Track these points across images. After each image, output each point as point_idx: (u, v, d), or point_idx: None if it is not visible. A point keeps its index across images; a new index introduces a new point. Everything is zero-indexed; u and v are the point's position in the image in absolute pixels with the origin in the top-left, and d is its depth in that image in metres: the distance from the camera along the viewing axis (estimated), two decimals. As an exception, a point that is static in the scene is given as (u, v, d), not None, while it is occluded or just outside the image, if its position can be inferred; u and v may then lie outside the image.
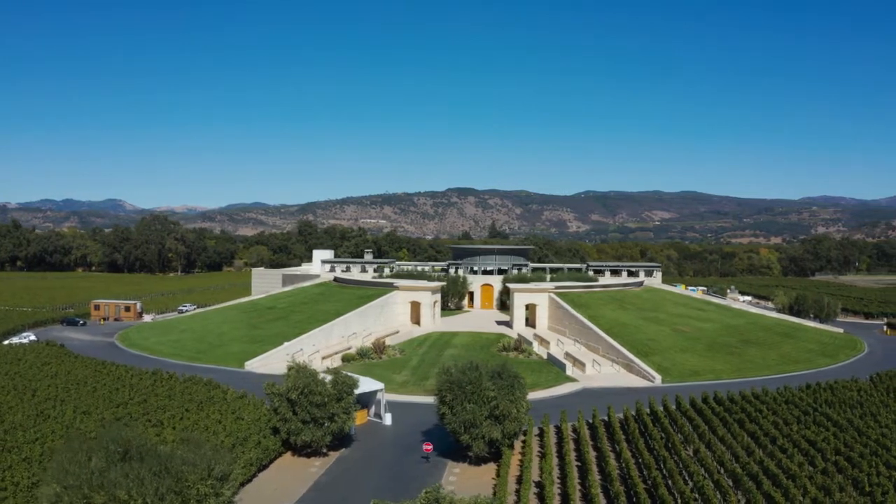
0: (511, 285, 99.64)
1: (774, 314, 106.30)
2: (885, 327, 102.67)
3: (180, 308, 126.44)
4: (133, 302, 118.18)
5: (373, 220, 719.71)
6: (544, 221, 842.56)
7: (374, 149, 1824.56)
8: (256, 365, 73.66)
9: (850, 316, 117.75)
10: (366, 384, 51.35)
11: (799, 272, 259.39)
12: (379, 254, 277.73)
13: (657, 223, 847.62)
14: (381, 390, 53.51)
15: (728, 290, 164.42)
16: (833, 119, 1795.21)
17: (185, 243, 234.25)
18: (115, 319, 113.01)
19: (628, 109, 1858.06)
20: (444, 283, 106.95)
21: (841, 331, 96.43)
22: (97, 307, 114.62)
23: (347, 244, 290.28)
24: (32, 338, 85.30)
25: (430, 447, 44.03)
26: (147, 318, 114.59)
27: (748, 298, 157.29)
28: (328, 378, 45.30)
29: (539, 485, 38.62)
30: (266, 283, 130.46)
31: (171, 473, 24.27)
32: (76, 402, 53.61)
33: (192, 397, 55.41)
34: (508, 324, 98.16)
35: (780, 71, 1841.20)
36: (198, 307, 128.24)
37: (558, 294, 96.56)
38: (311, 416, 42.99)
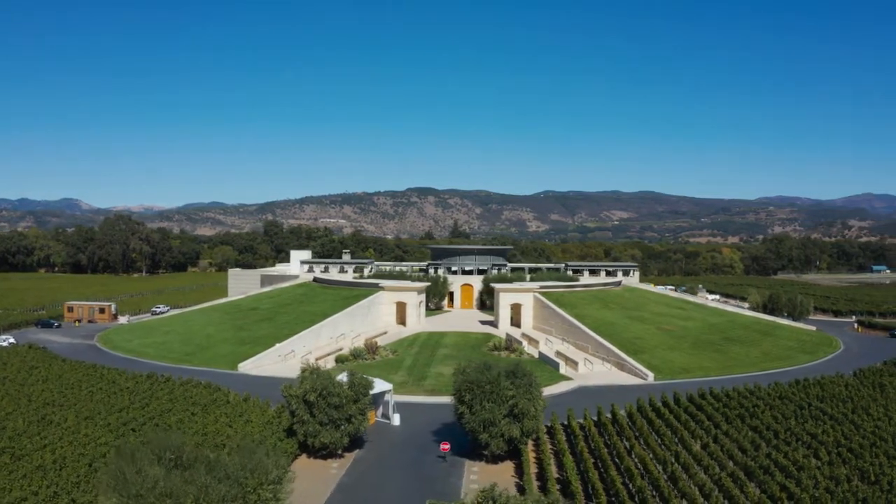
0: (496, 285, 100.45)
1: (749, 312, 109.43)
2: (855, 325, 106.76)
3: (153, 309, 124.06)
4: (107, 303, 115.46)
5: (332, 220, 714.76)
6: (504, 221, 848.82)
7: (333, 148, 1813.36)
8: (249, 367, 72.87)
9: (820, 314, 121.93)
10: (376, 385, 51.34)
11: (761, 271, 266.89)
12: (350, 254, 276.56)
13: (616, 223, 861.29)
14: (390, 391, 53.63)
15: (697, 289, 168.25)
16: (789, 120, 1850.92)
17: (149, 243, 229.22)
18: (90, 321, 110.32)
19: (587, 110, 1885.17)
20: (428, 284, 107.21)
21: (814, 328, 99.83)
22: (71, 309, 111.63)
23: (314, 244, 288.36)
24: (12, 340, 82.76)
25: (448, 447, 44.37)
26: (122, 319, 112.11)
27: (716, 297, 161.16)
28: (343, 379, 45.25)
29: (560, 481, 39.32)
30: (244, 283, 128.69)
31: (231, 479, 23.99)
32: (75, 407, 52.36)
33: (195, 400, 54.65)
34: (493, 323, 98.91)
35: (737, 72, 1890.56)
36: (171, 308, 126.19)
37: (543, 294, 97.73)
38: (329, 417, 42.94)
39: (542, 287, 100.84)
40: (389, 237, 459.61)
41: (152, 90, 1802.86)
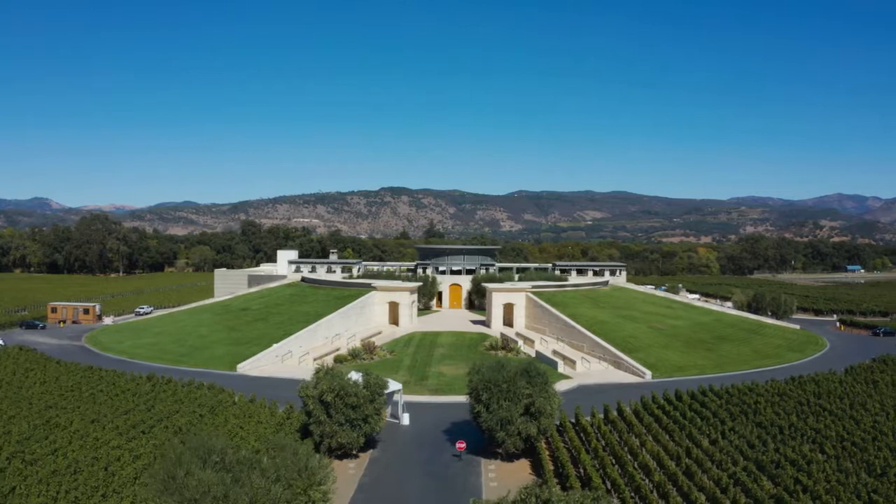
0: (488, 285, 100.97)
1: (734, 311, 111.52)
2: (837, 323, 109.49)
3: (137, 310, 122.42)
4: (92, 304, 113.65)
5: (306, 220, 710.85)
6: (478, 221, 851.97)
7: (306, 147, 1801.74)
8: (248, 367, 72.37)
9: (801, 313, 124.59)
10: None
11: (737, 271, 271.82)
12: (323, 253, 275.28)
13: (589, 223, 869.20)
14: (399, 391, 53.77)
15: (678, 289, 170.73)
16: (760, 121, 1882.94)
17: (126, 243, 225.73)
18: (74, 322, 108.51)
19: (560, 109, 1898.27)
20: (420, 284, 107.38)
21: (797, 327, 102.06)
22: (54, 310, 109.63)
23: (292, 244, 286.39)
24: (1, 342, 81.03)
25: (464, 445, 44.69)
26: (107, 320, 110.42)
27: (696, 296, 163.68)
28: (358, 379, 45.28)
29: (580, 477, 39.85)
30: (230, 284, 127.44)
31: (283, 481, 23.93)
32: (79, 410, 51.49)
33: (201, 402, 54.13)
34: (485, 323, 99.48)
35: (709, 74, 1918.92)
36: (155, 309, 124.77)
37: (535, 293, 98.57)
38: (347, 417, 42.99)
39: (534, 287, 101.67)
40: (363, 237, 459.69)
41: (123, 88, 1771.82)
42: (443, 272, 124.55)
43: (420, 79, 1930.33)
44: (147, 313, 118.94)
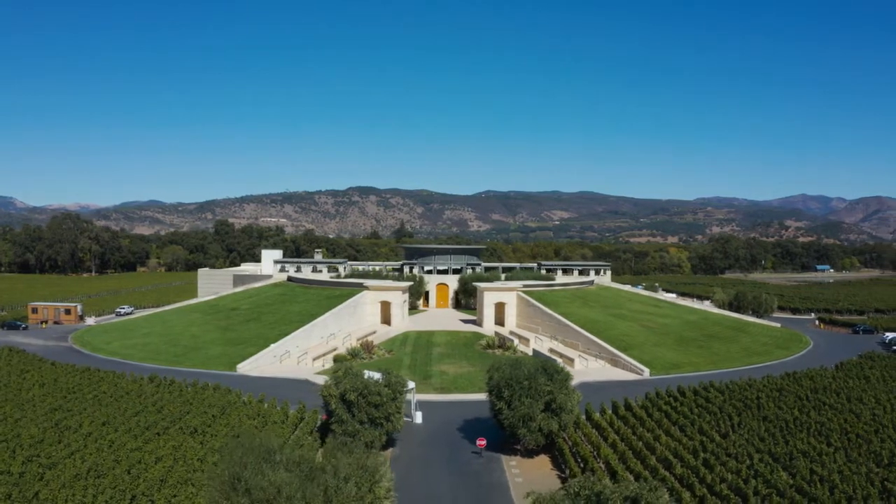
0: (480, 285, 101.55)
1: (716, 310, 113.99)
2: (816, 321, 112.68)
3: (118, 310, 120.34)
4: (73, 304, 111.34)
5: (273, 219, 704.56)
6: (446, 221, 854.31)
7: (274, 147, 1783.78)
8: (247, 367, 71.74)
9: (779, 312, 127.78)
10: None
11: (708, 270, 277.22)
12: (297, 253, 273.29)
13: (556, 223, 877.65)
14: (412, 389, 53.95)
15: (655, 288, 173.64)
16: (725, 122, 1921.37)
17: (99, 243, 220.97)
18: (55, 322, 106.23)
19: (528, 110, 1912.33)
20: (412, 283, 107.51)
21: (779, 325, 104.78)
22: (35, 310, 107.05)
23: (265, 243, 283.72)
24: (-11, 344, 79.00)
25: (484, 442, 45.16)
26: (89, 321, 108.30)
27: (673, 296, 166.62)
28: (378, 378, 45.41)
29: (604, 471, 40.59)
30: (215, 283, 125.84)
31: (350, 480, 23.97)
32: (85, 412, 50.59)
33: (210, 403, 53.57)
34: (475, 322, 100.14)
35: (673, 74, 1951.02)
36: (135, 309, 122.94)
37: (526, 293, 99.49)
38: (369, 416, 43.11)
39: (525, 286, 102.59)
40: (332, 236, 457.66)
41: (88, 87, 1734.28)
42: (429, 272, 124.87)
43: (388, 79, 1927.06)
44: (128, 313, 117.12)
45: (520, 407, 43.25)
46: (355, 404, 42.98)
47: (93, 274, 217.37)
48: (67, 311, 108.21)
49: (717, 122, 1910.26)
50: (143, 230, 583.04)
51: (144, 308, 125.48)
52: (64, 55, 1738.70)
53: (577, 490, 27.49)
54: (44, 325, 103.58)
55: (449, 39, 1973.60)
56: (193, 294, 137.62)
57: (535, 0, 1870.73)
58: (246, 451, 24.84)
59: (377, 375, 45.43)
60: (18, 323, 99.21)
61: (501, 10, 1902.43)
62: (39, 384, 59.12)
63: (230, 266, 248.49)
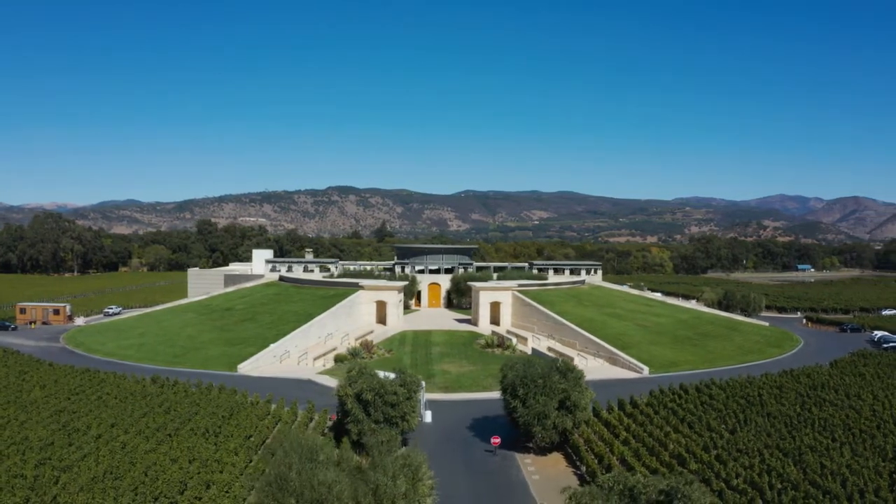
0: (475, 284, 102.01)
1: (706, 309, 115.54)
2: (804, 320, 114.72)
3: (106, 310, 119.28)
4: (62, 305, 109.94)
5: (252, 219, 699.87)
6: (425, 220, 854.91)
7: (252, 146, 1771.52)
8: (248, 368, 71.43)
9: (766, 311, 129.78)
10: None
11: (690, 270, 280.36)
12: (282, 252, 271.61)
13: (536, 222, 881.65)
14: (422, 388, 54.04)
15: (641, 288, 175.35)
16: (703, 122, 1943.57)
17: (81, 242, 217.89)
18: (44, 323, 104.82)
19: (507, 110, 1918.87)
20: (407, 283, 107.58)
21: (767, 324, 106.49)
22: (23, 310, 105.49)
23: (248, 243, 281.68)
24: (-18, 345, 77.71)
25: (499, 441, 45.50)
26: (79, 321, 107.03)
27: (658, 295, 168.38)
28: (392, 377, 45.56)
29: (624, 465, 41.12)
30: (206, 283, 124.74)
31: (399, 478, 24.09)
32: (92, 413, 50.04)
33: (217, 403, 53.27)
34: (470, 321, 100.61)
35: (650, 74, 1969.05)
36: (123, 309, 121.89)
37: (521, 292, 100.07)
38: (385, 415, 43.23)
39: (519, 286, 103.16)
40: (311, 236, 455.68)
41: (64, 85, 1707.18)
42: (420, 271, 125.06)
43: (367, 78, 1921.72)
44: (116, 314, 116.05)
45: (535, 405, 43.69)
46: (371, 403, 43.07)
47: (75, 274, 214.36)
48: (56, 312, 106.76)
49: (695, 123, 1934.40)
50: (122, 230, 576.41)
51: (132, 308, 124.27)
52: (38, 54, 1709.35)
53: (610, 485, 27.90)
54: (33, 326, 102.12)
55: (427, 39, 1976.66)
56: (181, 294, 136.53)
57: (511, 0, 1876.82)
58: (289, 450, 24.83)
59: (392, 375, 45.57)
60: (7, 323, 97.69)
61: (477, 9, 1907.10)
62: (40, 385, 58.33)
63: (213, 266, 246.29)
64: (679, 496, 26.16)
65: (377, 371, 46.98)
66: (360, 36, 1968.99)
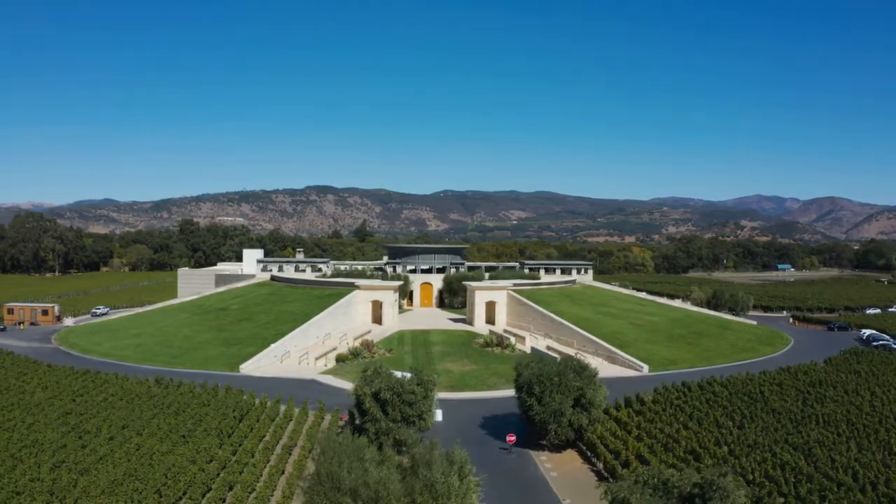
0: (470, 283, 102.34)
1: (695, 308, 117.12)
2: (791, 319, 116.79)
3: (94, 311, 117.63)
4: (50, 305, 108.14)
5: (230, 218, 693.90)
6: (404, 220, 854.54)
7: (230, 145, 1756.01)
8: (250, 368, 71.00)
9: (752, 310, 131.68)
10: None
11: (671, 269, 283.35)
12: (265, 252, 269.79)
13: (514, 222, 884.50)
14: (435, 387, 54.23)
15: (628, 287, 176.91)
16: (680, 121, 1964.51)
17: (63, 242, 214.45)
18: (32, 324, 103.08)
19: (485, 110, 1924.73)
20: (402, 283, 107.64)
21: (755, 323, 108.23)
22: (11, 311, 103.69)
23: (231, 243, 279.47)
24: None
25: (514, 438, 45.92)
26: (68, 321, 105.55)
27: (643, 295, 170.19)
28: (408, 376, 45.73)
29: (640, 461, 41.75)
30: (196, 283, 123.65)
31: (450, 474, 24.29)
32: (101, 415, 49.51)
33: (227, 405, 53.01)
34: (465, 321, 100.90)
35: (628, 74, 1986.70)
36: (111, 309, 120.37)
37: (516, 291, 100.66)
38: (403, 414, 43.39)
39: (514, 285, 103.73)
40: (290, 235, 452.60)
41: (40, 84, 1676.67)
42: (412, 271, 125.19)
43: (344, 78, 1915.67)
44: (104, 314, 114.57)
45: (551, 402, 44.18)
46: (389, 403, 43.20)
47: (56, 274, 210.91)
48: (45, 312, 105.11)
49: (673, 123, 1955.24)
50: (98, 229, 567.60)
51: (119, 309, 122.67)
52: (14, 52, 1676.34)
53: (644, 479, 28.43)
54: (21, 327, 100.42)
55: (405, 38, 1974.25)
56: (166, 294, 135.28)
57: (486, 1, 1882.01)
58: (337, 449, 24.95)
59: (404, 375, 45.79)
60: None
61: (455, 10, 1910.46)
62: (42, 387, 57.57)
63: (196, 266, 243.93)
64: (715, 488, 26.73)
65: (401, 371, 47.23)
66: (337, 36, 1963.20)
